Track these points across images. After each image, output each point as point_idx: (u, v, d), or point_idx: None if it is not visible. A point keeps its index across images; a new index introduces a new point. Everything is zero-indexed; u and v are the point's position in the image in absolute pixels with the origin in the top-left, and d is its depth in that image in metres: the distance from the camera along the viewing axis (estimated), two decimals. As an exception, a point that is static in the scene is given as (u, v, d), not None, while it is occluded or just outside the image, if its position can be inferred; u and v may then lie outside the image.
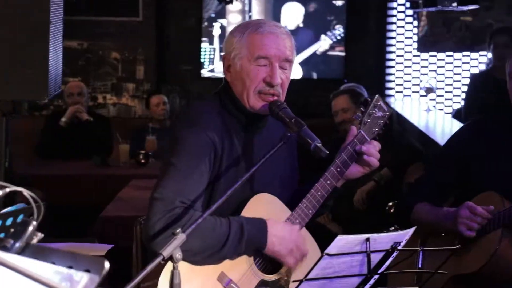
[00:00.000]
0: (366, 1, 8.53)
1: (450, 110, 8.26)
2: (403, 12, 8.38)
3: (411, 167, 5.41)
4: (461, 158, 3.38)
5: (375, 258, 2.49)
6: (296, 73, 8.13)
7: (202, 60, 8.60)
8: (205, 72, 8.64)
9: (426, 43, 8.31)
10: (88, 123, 7.15)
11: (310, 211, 2.85)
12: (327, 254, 2.42)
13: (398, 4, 8.40)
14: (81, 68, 8.52)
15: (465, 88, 8.23)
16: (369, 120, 2.99)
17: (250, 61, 2.83)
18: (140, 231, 3.12)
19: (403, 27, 8.40)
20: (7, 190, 1.66)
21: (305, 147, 2.73)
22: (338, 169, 2.89)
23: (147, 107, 7.75)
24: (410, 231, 2.50)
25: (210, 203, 2.79)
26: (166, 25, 8.64)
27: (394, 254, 2.50)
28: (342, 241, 2.41)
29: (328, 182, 2.87)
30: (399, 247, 2.49)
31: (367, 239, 2.43)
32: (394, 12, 8.41)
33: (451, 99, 8.40)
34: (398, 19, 8.41)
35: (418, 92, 8.40)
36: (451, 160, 3.41)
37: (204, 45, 8.60)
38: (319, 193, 2.86)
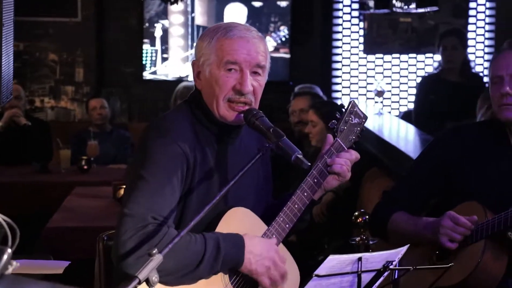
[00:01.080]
0: (311, 2, 8.41)
1: (397, 113, 8.18)
2: (349, 13, 8.28)
3: (367, 173, 5.30)
4: (441, 165, 3.25)
5: (366, 278, 2.34)
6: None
7: (144, 62, 8.44)
8: (147, 75, 8.48)
9: (372, 45, 8.23)
10: (26, 127, 6.89)
11: (287, 226, 2.70)
12: (317, 276, 2.26)
13: (344, 5, 8.29)
14: (17, 71, 8.20)
15: (412, 91, 8.22)
16: (345, 127, 2.88)
17: (219, 67, 2.67)
18: (103, 248, 2.93)
19: (349, 28, 8.29)
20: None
21: (285, 158, 2.58)
22: (315, 180, 2.77)
23: (87, 111, 7.56)
24: (402, 250, 2.36)
25: (182, 218, 2.64)
26: (106, 26, 8.45)
27: (386, 273, 2.35)
28: (333, 262, 2.26)
29: (305, 194, 2.74)
30: (391, 266, 2.35)
31: (359, 259, 2.28)
32: (340, 13, 8.30)
33: (398, 102, 8.32)
34: (344, 21, 8.30)
35: (365, 94, 8.31)
36: (430, 168, 3.28)
37: (146, 47, 8.44)
38: (296, 206, 2.72)
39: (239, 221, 2.66)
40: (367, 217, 3.81)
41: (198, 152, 2.65)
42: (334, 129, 2.88)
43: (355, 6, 8.21)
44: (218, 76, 2.67)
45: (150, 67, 8.44)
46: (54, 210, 5.21)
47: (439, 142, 3.37)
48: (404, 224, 3.21)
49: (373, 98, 8.05)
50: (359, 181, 5.31)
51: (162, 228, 2.49)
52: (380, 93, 7.28)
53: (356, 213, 3.88)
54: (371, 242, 3.78)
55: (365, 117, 2.94)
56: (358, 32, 8.27)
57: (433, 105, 6.59)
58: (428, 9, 5.55)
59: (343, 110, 2.92)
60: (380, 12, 6.42)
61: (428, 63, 8.26)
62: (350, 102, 2.91)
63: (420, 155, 3.43)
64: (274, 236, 2.65)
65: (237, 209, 2.68)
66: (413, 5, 5.50)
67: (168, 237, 2.46)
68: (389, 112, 8.09)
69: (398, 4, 5.68)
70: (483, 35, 8.27)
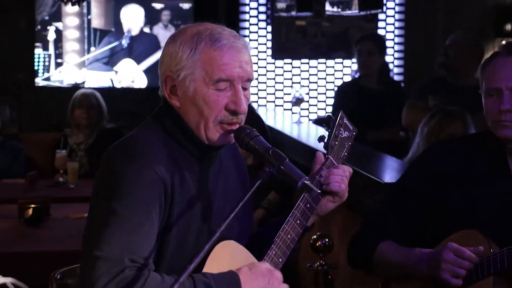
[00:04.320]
0: (215, 4, 8.05)
1: (306, 120, 7.88)
2: (256, 16, 7.94)
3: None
4: (429, 189, 2.85)
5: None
6: (141, 82, 7.49)
7: (36, 68, 7.94)
8: (39, 81, 7.97)
9: (281, 50, 7.94)
10: None
11: (280, 260, 2.34)
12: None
13: (251, 8, 7.94)
14: None
15: (322, 97, 7.98)
16: (336, 142, 2.53)
17: (208, 85, 2.28)
18: (58, 288, 2.50)
19: (256, 32, 7.95)
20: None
21: (290, 184, 2.20)
22: (308, 205, 2.41)
23: (-26, 121, 7.02)
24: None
25: (161, 257, 2.26)
26: (-6, 28, 7.93)
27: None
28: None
29: (298, 221, 2.38)
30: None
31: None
32: (246, 16, 7.94)
33: (307, 109, 8.03)
34: (251, 24, 7.95)
35: (273, 101, 8.00)
36: (417, 191, 2.84)
37: (38, 51, 7.92)
38: (289, 236, 2.36)
39: (229, 257, 2.28)
40: (327, 240, 3.46)
41: (176, 177, 2.27)
42: (324, 145, 2.53)
43: (262, 9, 7.89)
44: (207, 95, 2.28)
45: (43, 73, 7.95)
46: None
47: (427, 161, 2.92)
48: (394, 255, 2.78)
49: (282, 105, 7.79)
50: (291, 195, 5.00)
51: (142, 272, 2.12)
52: (299, 101, 6.99)
53: (315, 236, 3.52)
54: (330, 269, 3.45)
55: (355, 130, 2.61)
56: (265, 36, 7.94)
57: (353, 113, 6.31)
58: (373, 12, 5.27)
59: (331, 122, 2.57)
60: (303, 16, 6.11)
61: (338, 68, 8.02)
62: (338, 113, 2.56)
63: (404, 176, 2.98)
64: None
65: (226, 243, 2.28)
66: (354, 8, 5.18)
67: (149, 283, 2.10)
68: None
69: (331, 8, 5.35)
70: (393, 39, 8.09)
